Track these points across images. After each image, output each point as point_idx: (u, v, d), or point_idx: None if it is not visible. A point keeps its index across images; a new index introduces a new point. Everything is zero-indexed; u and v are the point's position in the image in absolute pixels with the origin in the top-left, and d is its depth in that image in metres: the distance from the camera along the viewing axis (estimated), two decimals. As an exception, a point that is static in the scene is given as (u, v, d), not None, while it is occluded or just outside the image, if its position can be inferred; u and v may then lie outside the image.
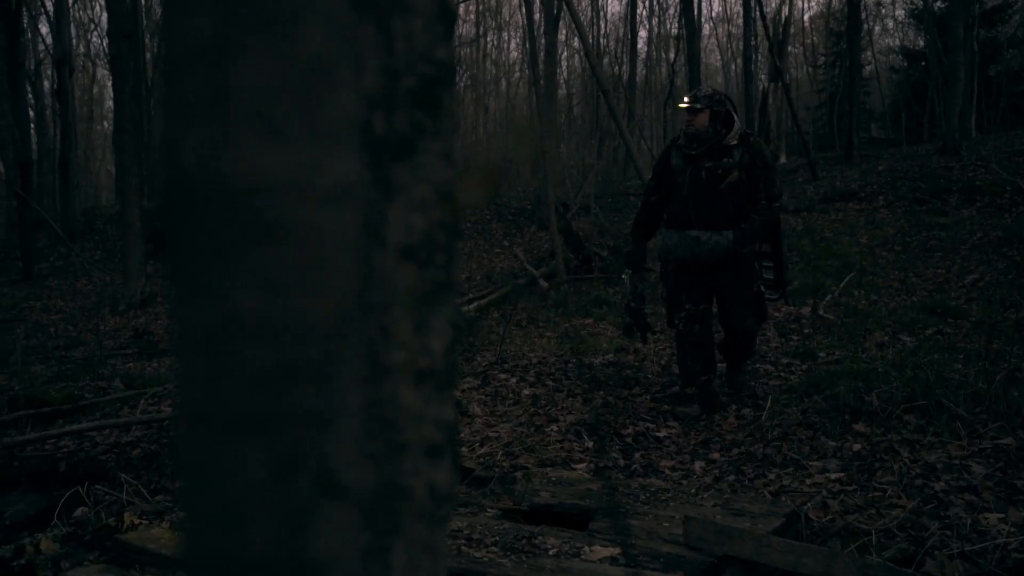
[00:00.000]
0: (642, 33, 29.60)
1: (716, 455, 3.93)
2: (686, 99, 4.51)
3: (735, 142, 4.41)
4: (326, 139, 0.47)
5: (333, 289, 0.48)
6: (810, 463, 3.67)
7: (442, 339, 0.81)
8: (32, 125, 21.73)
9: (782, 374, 5.07)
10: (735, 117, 4.50)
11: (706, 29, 30.54)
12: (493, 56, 34.59)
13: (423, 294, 0.79)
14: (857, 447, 3.72)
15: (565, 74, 32.03)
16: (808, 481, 3.50)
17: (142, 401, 6.18)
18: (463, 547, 2.91)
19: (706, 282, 4.53)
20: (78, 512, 4.21)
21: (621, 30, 31.98)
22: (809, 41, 28.99)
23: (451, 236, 0.81)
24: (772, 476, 3.63)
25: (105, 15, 19.51)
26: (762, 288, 4.55)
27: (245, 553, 0.46)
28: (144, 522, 3.85)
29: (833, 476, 3.49)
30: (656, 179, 4.69)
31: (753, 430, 4.14)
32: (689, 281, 4.54)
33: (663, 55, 29.31)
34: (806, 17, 28.83)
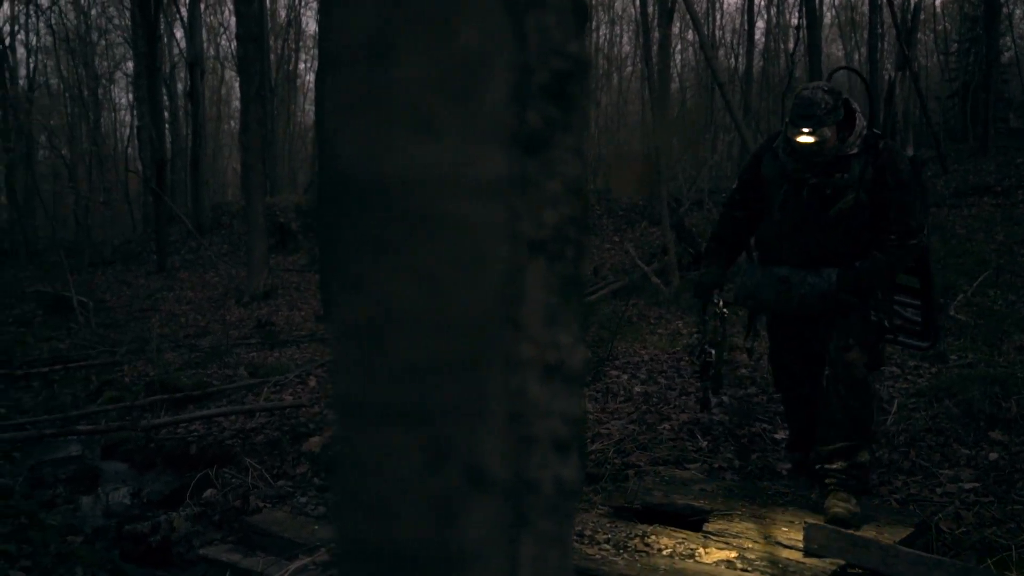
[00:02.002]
0: (759, 23, 28.77)
1: (838, 460, 3.77)
2: (804, 130, 3.09)
3: (855, 150, 3.14)
4: (477, 134, 0.48)
5: (484, 283, 0.48)
6: (941, 471, 3.48)
7: (571, 334, 0.80)
8: (166, 125, 22.98)
9: (909, 377, 4.83)
10: (857, 112, 3.21)
11: (827, 17, 29.43)
12: (605, 50, 34.37)
13: (553, 288, 0.78)
14: (994, 456, 3.51)
15: (678, 67, 31.51)
16: (939, 490, 3.33)
17: (265, 389, 6.45)
18: (575, 543, 2.90)
19: (808, 333, 3.36)
20: (207, 493, 4.43)
21: (737, 21, 31.19)
22: (940, 27, 27.52)
23: (580, 231, 0.80)
24: (899, 483, 3.47)
25: (233, 19, 20.40)
26: (886, 322, 3.29)
27: (395, 542, 0.47)
28: (267, 505, 4.02)
29: (967, 486, 3.31)
30: (741, 190, 3.49)
31: (879, 435, 3.96)
32: (785, 334, 3.44)
33: (781, 46, 28.42)
34: (938, 2, 27.38)
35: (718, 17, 32.42)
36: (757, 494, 3.27)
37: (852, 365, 3.14)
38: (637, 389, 5.05)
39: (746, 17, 26.22)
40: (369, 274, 0.47)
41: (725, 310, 3.44)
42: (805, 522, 2.84)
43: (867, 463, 3.20)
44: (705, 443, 4.04)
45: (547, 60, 0.75)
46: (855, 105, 3.24)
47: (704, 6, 28.73)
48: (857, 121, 3.19)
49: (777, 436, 4.13)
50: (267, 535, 3.30)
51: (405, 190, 0.46)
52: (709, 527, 3.01)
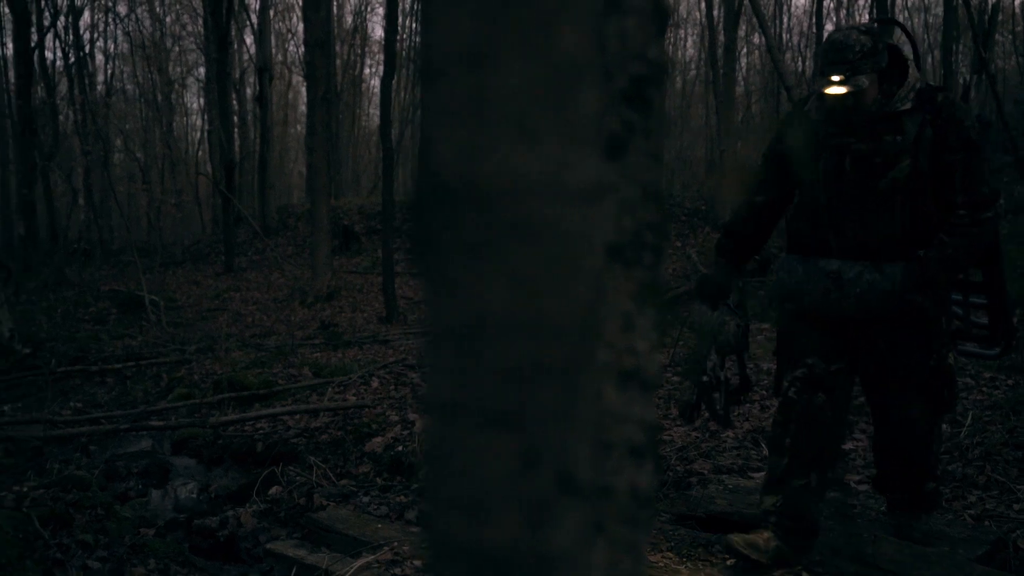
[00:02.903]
0: (828, 26, 28.19)
1: (909, 473, 3.68)
2: (834, 78, 2.51)
3: (908, 106, 2.54)
4: (573, 140, 0.48)
5: (577, 289, 0.49)
6: (1018, 487, 3.36)
7: (647, 340, 0.80)
8: (235, 129, 23.57)
9: (984, 389, 4.67)
10: (909, 62, 2.64)
11: (900, 19, 28.69)
12: (669, 53, 34.16)
13: (630, 294, 0.78)
14: (1076, 473, 3.37)
15: (743, 70, 31.07)
16: (1016, 507, 3.21)
17: (329, 389, 6.55)
18: (637, 550, 2.88)
19: (850, 337, 2.68)
20: (273, 490, 4.53)
21: (805, 24, 30.62)
22: (1020, 28, 26.61)
23: (658, 237, 0.80)
24: (973, 499, 3.36)
25: (302, 25, 20.81)
26: (956, 349, 2.77)
27: (486, 544, 0.47)
28: (331, 504, 4.09)
29: (1047, 503, 3.19)
30: (767, 168, 2.84)
31: (951, 448, 3.84)
32: (819, 333, 2.68)
33: (850, 48, 27.80)
34: (1017, 2, 26.45)
35: (785, 20, 31.87)
36: (825, 505, 3.20)
37: (914, 418, 2.63)
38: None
39: (815, 20, 25.75)
40: (465, 278, 0.47)
41: (732, 316, 2.79)
42: (874, 535, 2.76)
43: (933, 490, 2.88)
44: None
45: (626, 65, 0.75)
46: (907, 53, 2.65)
47: (771, 9, 28.30)
48: (910, 72, 2.59)
49: (846, 446, 4.04)
50: (331, 532, 3.35)
51: (501, 195, 0.47)
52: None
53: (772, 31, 17.84)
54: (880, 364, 2.66)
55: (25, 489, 3.31)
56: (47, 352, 9.13)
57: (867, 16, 23.25)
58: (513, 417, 0.47)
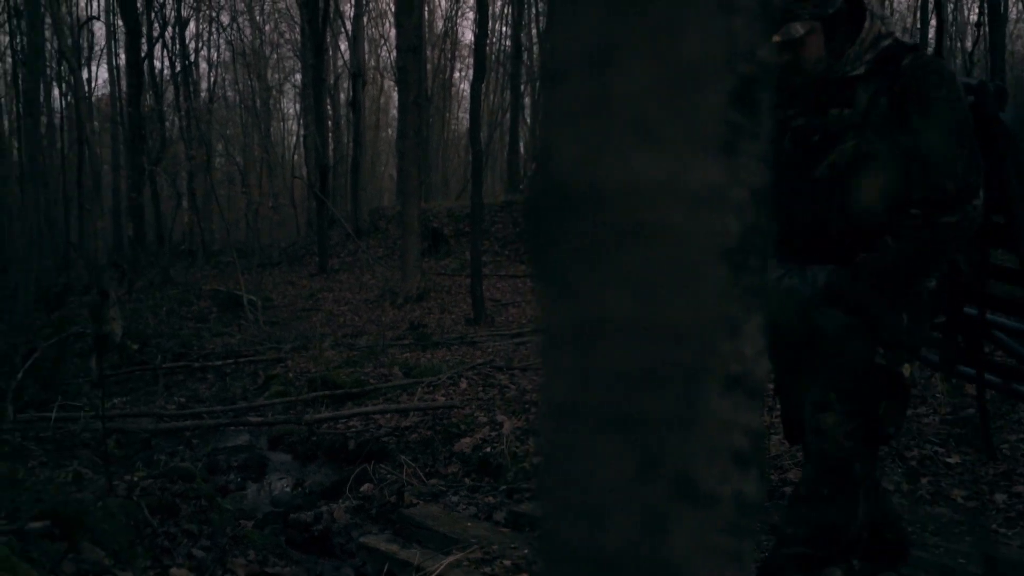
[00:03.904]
0: (933, 21, 27.08)
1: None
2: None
3: (862, 69, 1.99)
4: (694, 142, 0.48)
5: (700, 292, 0.49)
6: None
7: (754, 345, 0.79)
8: (329, 134, 24.19)
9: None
10: (868, 12, 2.05)
11: (1013, 13, 27.35)
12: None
13: (736, 298, 0.77)
14: None
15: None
16: None
17: (419, 389, 6.65)
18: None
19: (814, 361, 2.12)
20: (364, 487, 4.63)
21: (909, 20, 29.49)
22: None
23: (764, 240, 0.79)
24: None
25: (394, 31, 21.19)
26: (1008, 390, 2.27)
27: (602, 548, 0.47)
28: (420, 502, 4.15)
29: None
30: None
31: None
32: (789, 361, 2.16)
33: (957, 44, 26.67)
34: None
35: (889, 14, 30.75)
36: (929, 521, 3.07)
37: (827, 435, 1.99)
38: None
39: (919, 15, 24.78)
40: (583, 281, 0.48)
41: None
42: (984, 554, 2.64)
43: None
44: (870, 464, 3.83)
45: (735, 65, 0.74)
46: (867, 1, 2.08)
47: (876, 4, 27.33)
48: (866, 23, 2.00)
49: (951, 460, 3.87)
50: (422, 528, 3.40)
51: (622, 198, 0.47)
52: (875, 553, 2.85)
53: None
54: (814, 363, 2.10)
55: (136, 479, 3.47)
56: (153, 348, 9.55)
57: (977, 9, 22.23)
58: (632, 421, 0.46)
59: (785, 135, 2.05)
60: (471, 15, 32.83)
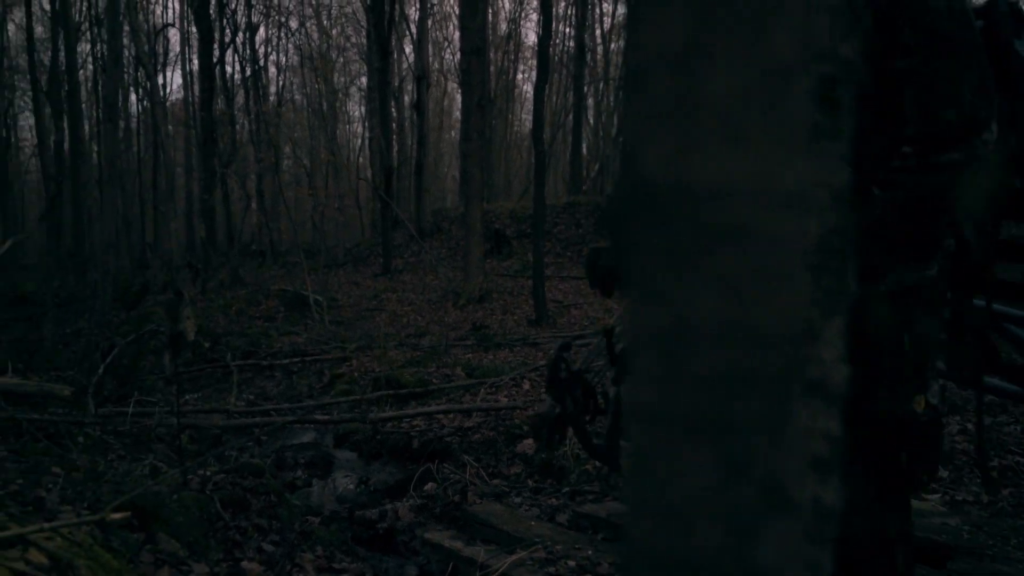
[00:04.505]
0: None
1: (1110, 503, 3.34)
2: None
3: None
4: (783, 142, 0.47)
5: (789, 295, 0.48)
6: None
7: (834, 349, 0.78)
8: (394, 136, 24.48)
9: None
10: None
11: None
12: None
13: (815, 301, 0.76)
14: None
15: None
16: None
17: (482, 390, 6.69)
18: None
19: None
20: (428, 486, 4.67)
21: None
22: None
23: (846, 242, 0.78)
24: None
25: (457, 34, 21.33)
26: (972, 383, 1.92)
27: (689, 553, 0.47)
28: (483, 502, 4.17)
29: None
30: None
31: None
32: None
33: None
34: None
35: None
36: (1012, 533, 2.96)
37: (855, 511, 1.48)
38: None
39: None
40: (670, 284, 0.47)
41: None
42: (1069, 571, 2.53)
43: None
44: (946, 472, 3.72)
45: (815, 64, 0.73)
46: None
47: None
48: None
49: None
50: (486, 526, 3.41)
51: (711, 200, 0.47)
52: (953, 565, 2.76)
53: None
54: None
55: (208, 473, 3.57)
56: (223, 346, 9.79)
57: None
58: (719, 426, 0.46)
59: None
60: (535, 17, 32.88)
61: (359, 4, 25.86)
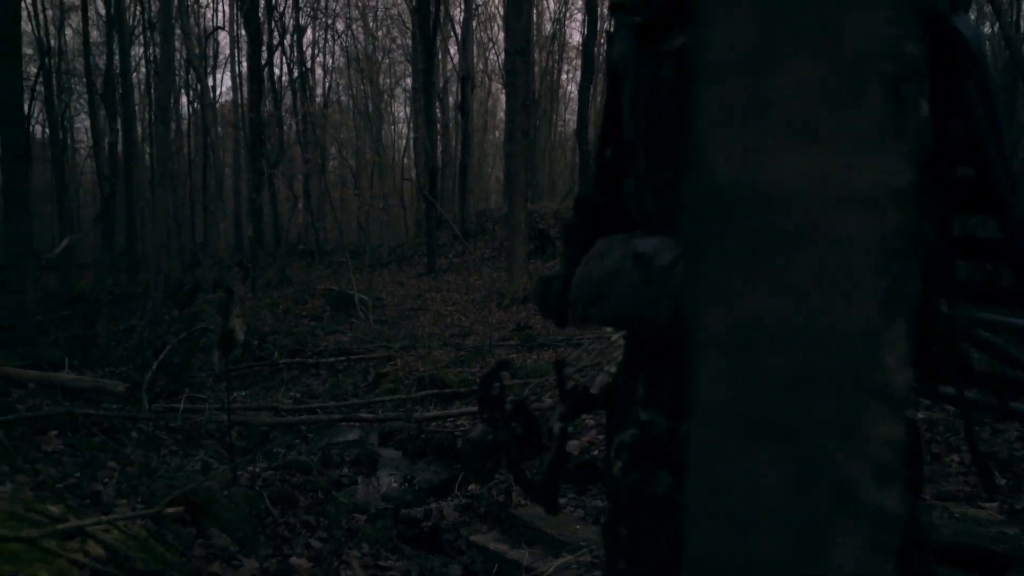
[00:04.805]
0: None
1: None
2: None
3: None
4: (855, 143, 0.46)
5: (857, 297, 0.47)
6: None
7: (896, 354, 0.76)
8: (438, 136, 24.61)
9: None
10: None
11: None
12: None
13: (880, 304, 0.75)
14: None
15: (968, 63, 28.54)
16: None
17: (526, 391, 6.68)
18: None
19: None
20: (472, 486, 4.68)
21: (1043, 8, 27.73)
22: None
23: (908, 244, 0.76)
24: None
25: (502, 34, 21.40)
26: (1003, 408, 1.45)
27: (755, 561, 0.46)
28: (528, 503, 4.17)
29: None
30: (609, 105, 1.72)
31: None
32: (653, 364, 1.55)
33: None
34: None
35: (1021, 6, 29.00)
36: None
37: None
38: (920, 415, 4.64)
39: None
40: (738, 286, 0.47)
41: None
42: None
43: None
44: (1004, 480, 3.62)
45: (883, 62, 0.71)
46: None
47: (1002, -6, 25.82)
48: None
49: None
50: (531, 529, 3.41)
51: (781, 201, 0.46)
52: (1011, 576, 2.69)
53: (1008, 17, 16.27)
54: None
55: (257, 470, 3.62)
56: (271, 345, 9.93)
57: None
58: (787, 428, 0.45)
59: (663, 63, 1.54)
60: (579, 17, 32.79)
61: (405, 6, 26.05)
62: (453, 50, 28.14)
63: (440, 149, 25.48)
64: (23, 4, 13.85)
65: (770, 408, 0.46)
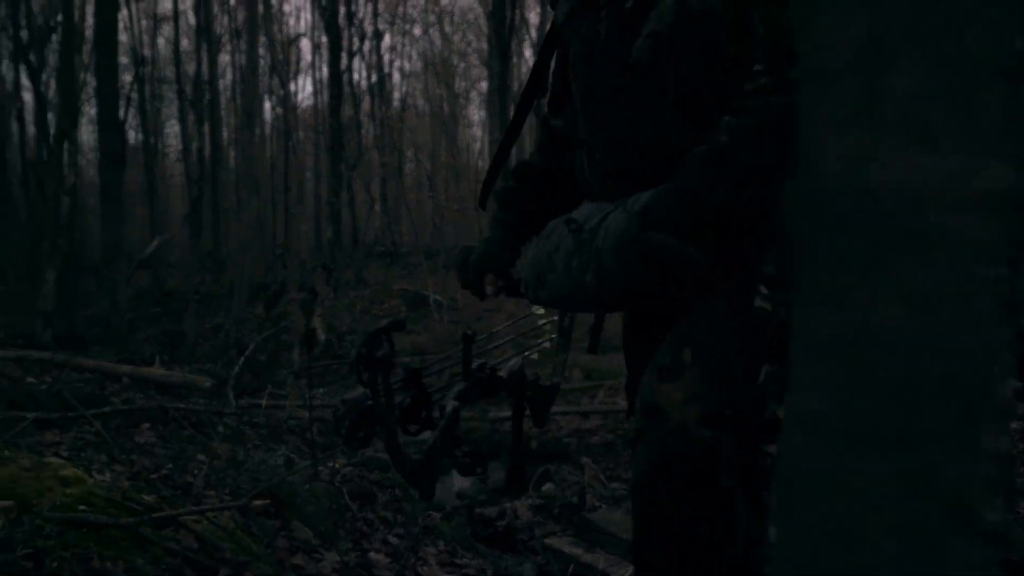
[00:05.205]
0: None
1: None
2: None
3: None
4: (976, 143, 0.46)
5: (979, 304, 0.47)
6: None
7: (1001, 362, 0.75)
8: (513, 139, 24.64)
9: None
10: None
11: None
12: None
13: (995, 311, 0.74)
14: None
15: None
16: None
17: (600, 392, 6.67)
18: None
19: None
20: (546, 487, 4.69)
21: None
22: None
23: (1014, 247, 0.74)
24: None
25: (578, 37, 21.32)
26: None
27: (860, 570, 0.46)
28: (602, 505, 4.16)
29: None
30: (555, 70, 1.73)
31: None
32: (634, 338, 1.76)
33: None
34: None
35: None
36: None
37: (669, 417, 1.28)
38: (1014, 426, 4.45)
39: None
40: (850, 289, 0.46)
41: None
42: None
43: None
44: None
45: (1003, 60, 0.71)
46: None
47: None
48: None
49: None
50: (605, 533, 3.41)
51: (897, 202, 0.46)
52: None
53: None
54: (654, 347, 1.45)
55: (337, 466, 3.71)
56: (348, 344, 10.14)
57: None
58: (900, 438, 0.45)
59: (601, 21, 1.44)
60: (656, 17, 32.46)
61: (480, 10, 26.27)
62: (528, 53, 28.23)
63: (514, 151, 25.55)
64: (119, 16, 14.47)
65: (880, 418, 0.45)
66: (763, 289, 1.25)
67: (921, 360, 0.45)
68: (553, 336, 1.82)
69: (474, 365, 1.72)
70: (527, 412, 1.75)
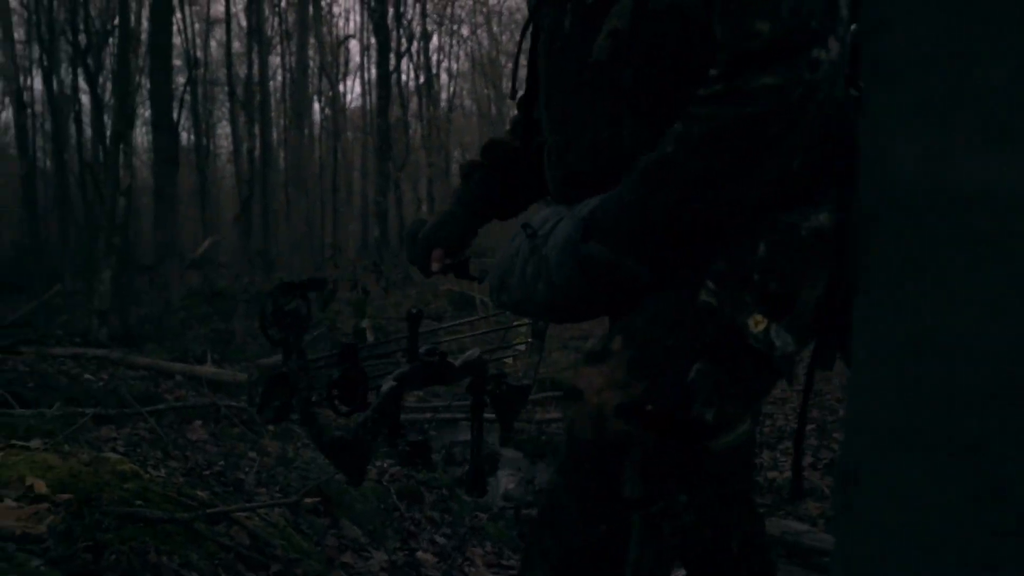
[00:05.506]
0: None
1: None
2: None
3: None
4: None
5: None
6: None
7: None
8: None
9: None
10: None
11: None
12: None
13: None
14: None
15: None
16: None
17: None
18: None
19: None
20: (592, 489, 4.68)
21: None
22: None
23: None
24: None
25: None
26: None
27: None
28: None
29: None
30: (532, 59, 1.61)
31: None
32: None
33: None
34: None
35: None
36: None
37: (584, 405, 1.24)
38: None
39: None
40: (919, 293, 0.45)
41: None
42: None
43: None
44: None
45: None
46: None
47: None
48: None
49: None
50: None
51: (971, 204, 0.44)
52: None
53: None
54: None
55: (385, 465, 3.74)
56: (395, 343, 10.21)
57: None
58: (969, 444, 0.43)
59: (565, 14, 1.40)
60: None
61: (527, 10, 26.28)
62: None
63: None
64: (173, 19, 14.79)
65: (954, 425, 0.43)
66: (711, 284, 1.20)
67: (996, 366, 0.43)
68: (529, 339, 1.70)
69: (424, 349, 1.61)
70: (490, 412, 1.65)
